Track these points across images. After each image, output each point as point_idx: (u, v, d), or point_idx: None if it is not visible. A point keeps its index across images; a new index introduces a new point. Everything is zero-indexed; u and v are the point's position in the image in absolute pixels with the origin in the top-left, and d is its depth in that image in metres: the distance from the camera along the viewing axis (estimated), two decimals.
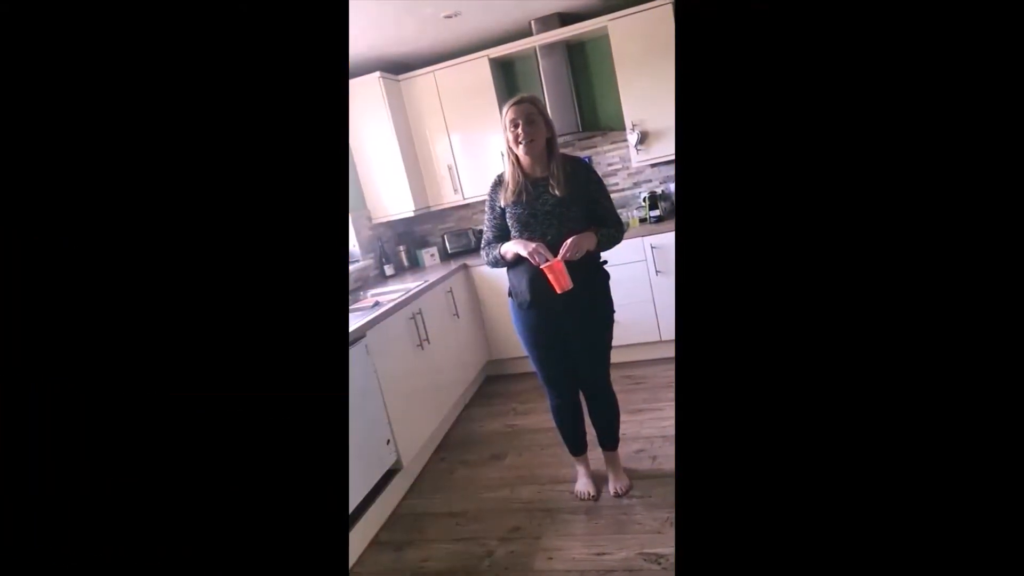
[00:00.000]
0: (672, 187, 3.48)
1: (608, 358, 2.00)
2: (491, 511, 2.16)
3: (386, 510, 2.26)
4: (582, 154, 3.59)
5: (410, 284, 3.00)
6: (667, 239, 3.07)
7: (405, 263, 3.74)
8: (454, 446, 2.78)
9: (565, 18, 3.26)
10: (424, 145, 3.56)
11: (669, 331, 3.17)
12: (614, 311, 1.96)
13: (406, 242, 3.85)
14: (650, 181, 3.56)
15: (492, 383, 3.49)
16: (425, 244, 3.97)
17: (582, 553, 1.83)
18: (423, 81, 3.45)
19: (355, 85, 3.29)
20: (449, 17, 2.86)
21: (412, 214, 3.50)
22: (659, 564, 1.69)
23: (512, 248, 1.81)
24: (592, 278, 1.86)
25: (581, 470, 2.16)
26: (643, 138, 3.22)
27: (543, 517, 2.05)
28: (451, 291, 3.14)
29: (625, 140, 3.41)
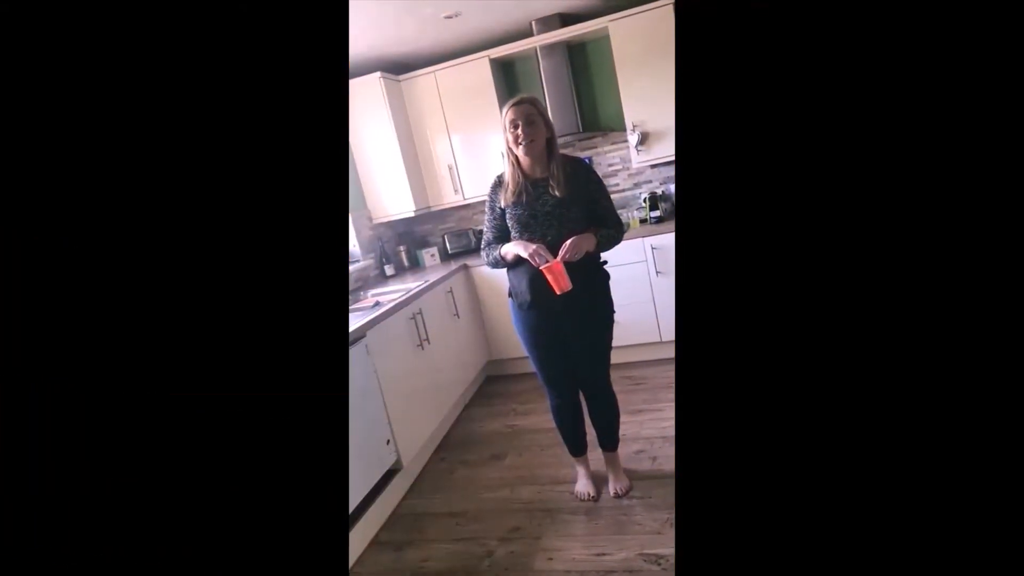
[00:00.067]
0: (672, 188, 3.48)
1: (608, 359, 2.00)
2: (491, 511, 2.16)
3: (386, 510, 2.26)
4: (582, 155, 3.59)
5: (410, 284, 3.00)
6: (667, 240, 3.07)
7: (405, 263, 3.74)
8: (454, 446, 2.78)
9: (566, 19, 3.26)
10: (425, 145, 3.56)
11: (669, 332, 3.16)
12: (614, 311, 1.96)
13: (406, 242, 3.86)
14: (650, 182, 3.56)
15: (492, 383, 3.49)
16: (425, 244, 3.97)
17: (582, 554, 1.83)
18: (424, 81, 3.45)
19: (356, 85, 3.29)
20: (450, 17, 2.86)
21: (412, 214, 3.50)
22: (659, 565, 1.69)
23: (512, 249, 1.81)
24: (592, 279, 1.86)
25: (581, 471, 2.16)
26: (644, 139, 3.22)
27: (543, 517, 2.05)
28: (451, 291, 3.14)
29: (626, 141, 3.41)
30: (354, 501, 2.05)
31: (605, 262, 1.93)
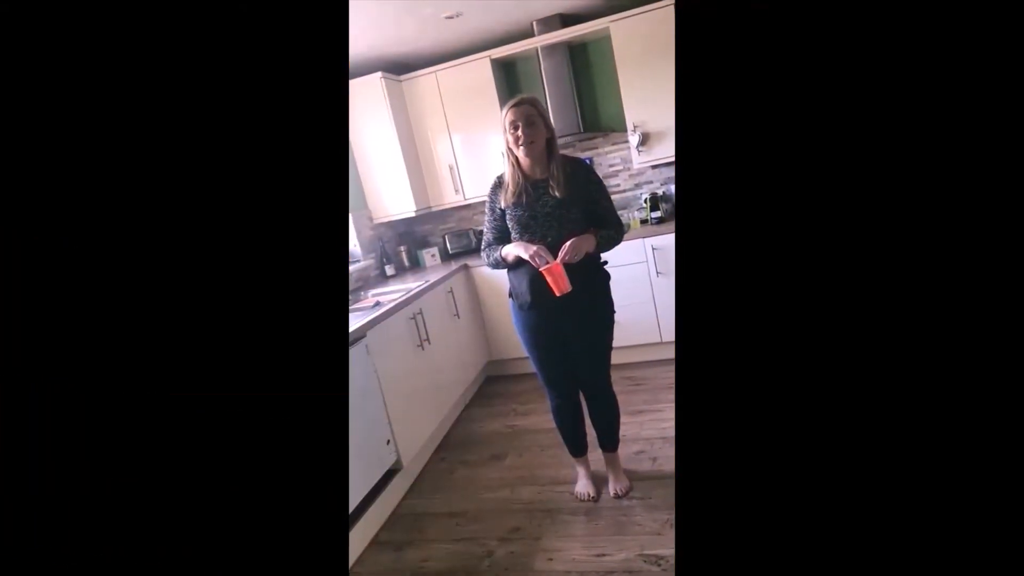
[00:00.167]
0: (673, 188, 3.48)
1: (608, 359, 2.00)
2: (491, 511, 2.16)
3: (386, 510, 2.26)
4: (583, 155, 3.59)
5: (411, 284, 3.00)
6: (668, 240, 3.07)
7: (406, 263, 3.74)
8: (454, 446, 2.78)
9: (567, 19, 3.26)
10: (425, 145, 3.56)
11: (670, 332, 3.16)
12: (615, 312, 1.95)
13: (407, 242, 3.86)
14: (651, 182, 3.56)
15: (492, 383, 3.48)
16: (426, 244, 3.97)
17: (582, 554, 1.83)
18: (425, 81, 3.45)
19: (357, 85, 3.29)
20: (450, 18, 2.86)
21: (413, 214, 3.50)
22: (659, 566, 1.69)
23: (513, 251, 1.81)
24: (593, 279, 1.86)
25: (581, 471, 2.16)
26: (644, 139, 3.22)
27: (543, 518, 2.05)
28: (452, 291, 3.14)
29: (626, 141, 3.41)
30: (354, 501, 2.05)
31: (606, 262, 1.93)
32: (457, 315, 3.16)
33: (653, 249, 3.10)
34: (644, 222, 3.43)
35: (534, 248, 1.74)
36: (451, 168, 3.55)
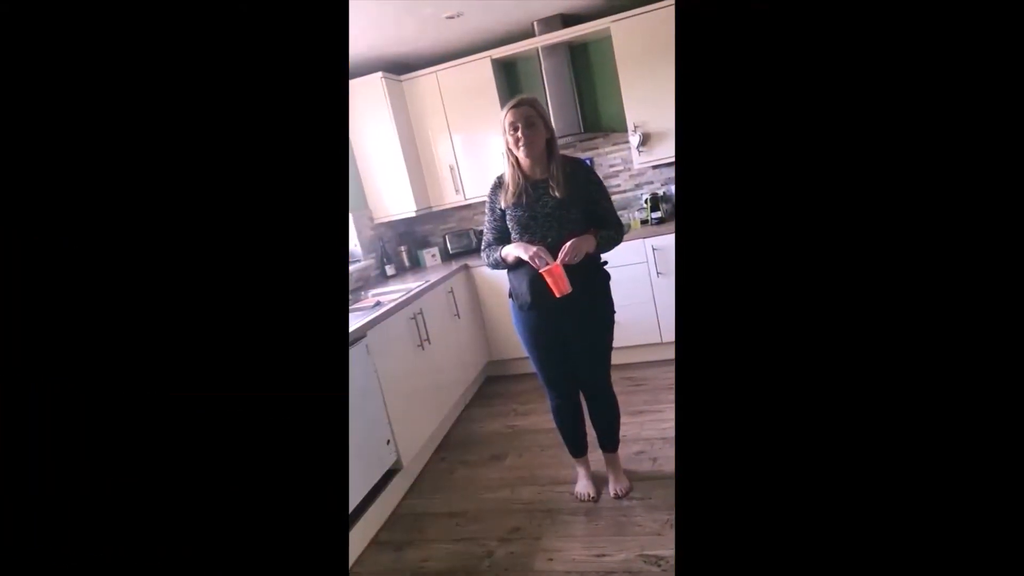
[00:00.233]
0: (673, 189, 3.48)
1: (609, 359, 2.00)
2: (491, 511, 2.16)
3: (386, 510, 2.26)
4: (584, 155, 3.59)
5: (411, 284, 3.00)
6: (668, 241, 3.07)
7: (406, 263, 3.74)
8: (454, 446, 2.78)
9: (567, 19, 3.26)
10: (426, 145, 3.56)
11: (670, 333, 3.16)
12: (615, 312, 1.95)
13: (407, 242, 3.86)
14: (652, 183, 3.56)
15: (492, 383, 3.48)
16: (426, 244, 3.97)
17: (582, 554, 1.83)
18: (425, 81, 3.45)
19: (357, 85, 3.29)
20: (451, 18, 2.86)
21: (414, 214, 3.50)
22: (659, 566, 1.69)
23: (513, 251, 1.81)
24: (593, 279, 1.86)
25: (581, 471, 2.16)
26: (645, 140, 3.22)
27: (543, 518, 2.05)
28: (452, 291, 3.14)
29: (627, 141, 3.41)
30: (354, 501, 2.05)
31: (606, 263, 1.93)
32: (457, 315, 3.16)
33: (653, 249, 3.10)
34: (644, 222, 3.43)
35: (534, 249, 1.74)
36: (451, 168, 3.55)
